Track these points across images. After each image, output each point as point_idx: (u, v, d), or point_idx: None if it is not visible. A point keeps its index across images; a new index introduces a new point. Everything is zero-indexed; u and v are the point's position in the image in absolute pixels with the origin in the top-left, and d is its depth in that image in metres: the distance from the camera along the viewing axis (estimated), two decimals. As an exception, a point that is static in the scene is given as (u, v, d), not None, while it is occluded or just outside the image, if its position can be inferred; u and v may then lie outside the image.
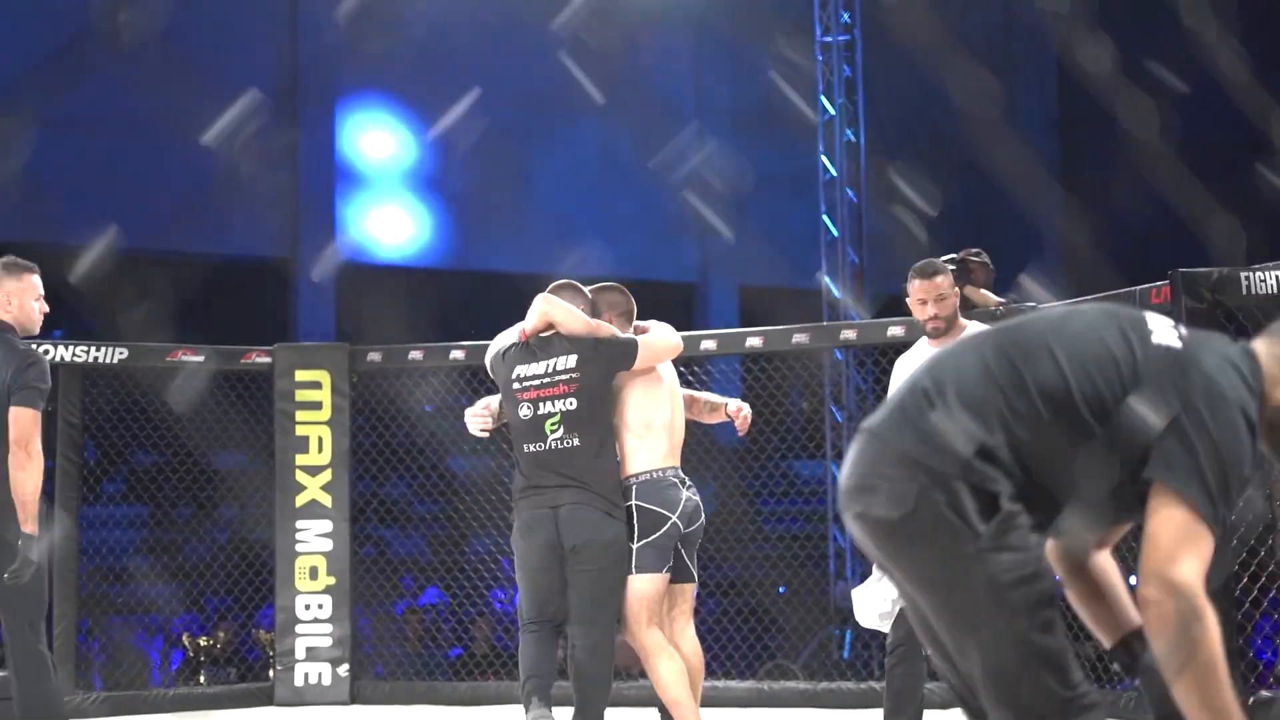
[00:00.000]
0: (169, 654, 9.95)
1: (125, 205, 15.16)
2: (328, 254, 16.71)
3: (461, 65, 16.45)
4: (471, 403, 5.80)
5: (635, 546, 5.24)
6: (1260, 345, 2.75)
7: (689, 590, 5.43)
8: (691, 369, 8.02)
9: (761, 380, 7.95)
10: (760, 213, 16.87)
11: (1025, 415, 2.63)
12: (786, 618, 8.29)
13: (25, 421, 5.24)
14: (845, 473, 2.73)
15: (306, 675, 7.78)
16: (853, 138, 12.26)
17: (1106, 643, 2.86)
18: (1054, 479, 2.64)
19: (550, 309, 5.42)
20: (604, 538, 5.22)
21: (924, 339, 5.60)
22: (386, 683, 8.02)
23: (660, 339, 5.47)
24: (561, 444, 5.29)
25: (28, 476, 5.21)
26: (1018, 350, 2.70)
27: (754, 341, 7.61)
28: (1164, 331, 2.70)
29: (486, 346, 7.76)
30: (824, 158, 12.34)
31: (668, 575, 5.27)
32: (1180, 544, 2.54)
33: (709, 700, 7.38)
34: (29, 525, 5.19)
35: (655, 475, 5.29)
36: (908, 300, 5.54)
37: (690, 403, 5.69)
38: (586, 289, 5.54)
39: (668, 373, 5.51)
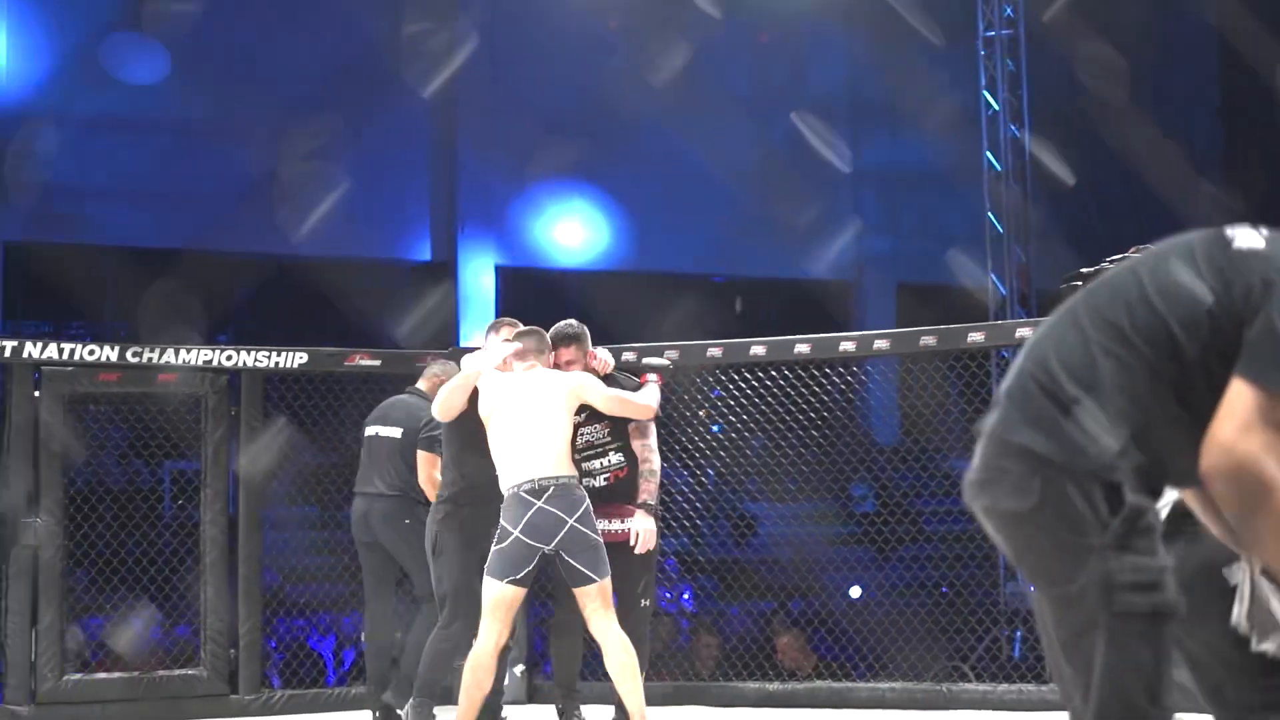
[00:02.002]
0: (341, 653, 10.10)
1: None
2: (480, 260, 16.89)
3: (609, 61, 16.52)
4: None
5: (493, 551, 5.73)
6: None
7: (591, 591, 5.69)
8: (852, 370, 7.98)
9: (921, 380, 7.88)
10: (918, 209, 16.74)
11: (1135, 366, 2.56)
12: (950, 619, 8.20)
13: (424, 461, 6.85)
14: (970, 468, 2.67)
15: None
16: (1017, 133, 12.13)
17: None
18: (1173, 420, 2.56)
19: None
20: None
21: None
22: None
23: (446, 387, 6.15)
24: None
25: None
26: (1109, 303, 2.63)
27: (928, 341, 7.55)
28: (1247, 237, 2.62)
29: (662, 349, 7.80)
30: (988, 153, 12.23)
31: (514, 588, 5.66)
32: (1252, 418, 2.45)
33: (883, 702, 7.38)
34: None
35: (510, 492, 5.70)
36: None
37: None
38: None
39: (526, 396, 5.82)
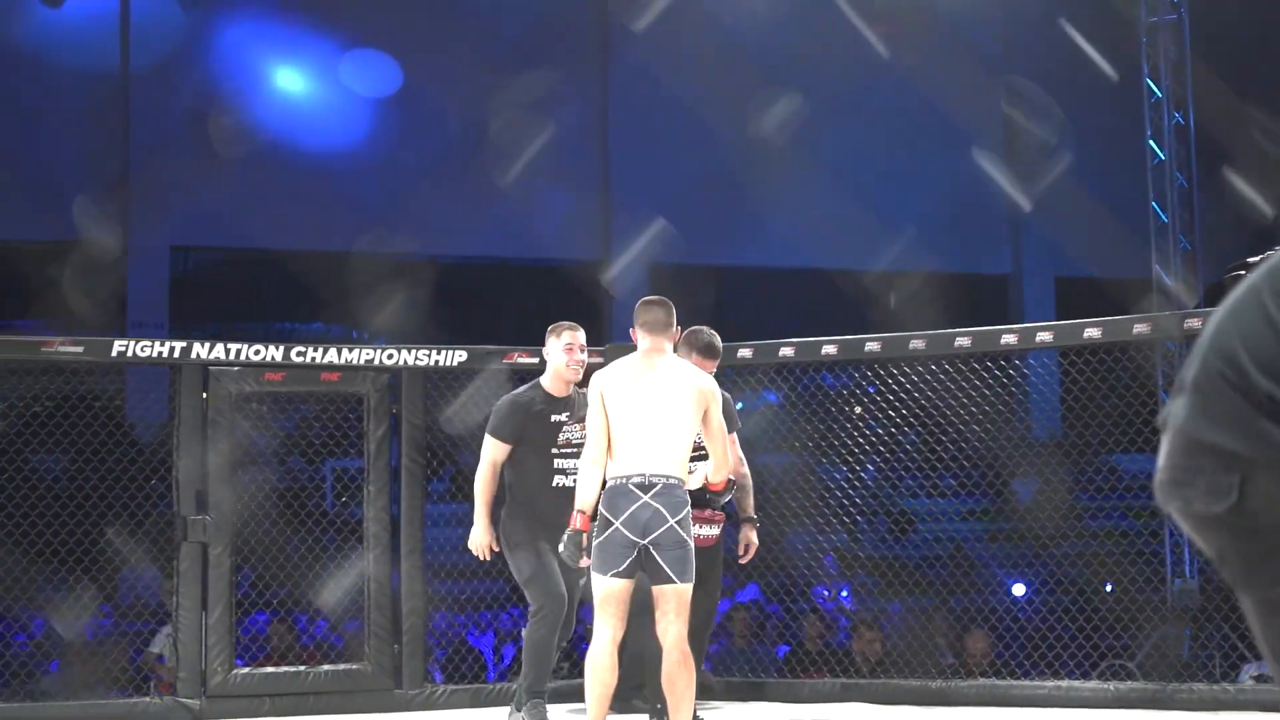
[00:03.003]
0: (501, 649, 10.18)
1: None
2: (635, 256, 16.95)
3: (756, 56, 16.47)
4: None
5: (594, 545, 5.66)
6: None
7: (669, 592, 5.60)
8: (1014, 363, 7.86)
9: (1087, 373, 7.72)
10: (1077, 200, 16.44)
11: None
12: (1118, 616, 8.04)
13: None
14: (1158, 466, 2.53)
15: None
16: (1181, 120, 11.87)
17: None
18: None
19: None
20: None
21: None
22: (722, 679, 8.04)
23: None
24: None
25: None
26: None
27: (1093, 333, 7.41)
28: None
29: (820, 344, 7.74)
30: (1151, 142, 11.98)
31: (621, 581, 5.59)
32: None
33: (1049, 700, 7.24)
34: None
35: (617, 482, 5.60)
36: None
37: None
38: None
39: (651, 387, 5.71)
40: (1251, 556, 2.46)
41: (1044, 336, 7.54)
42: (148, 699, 7.42)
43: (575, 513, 5.72)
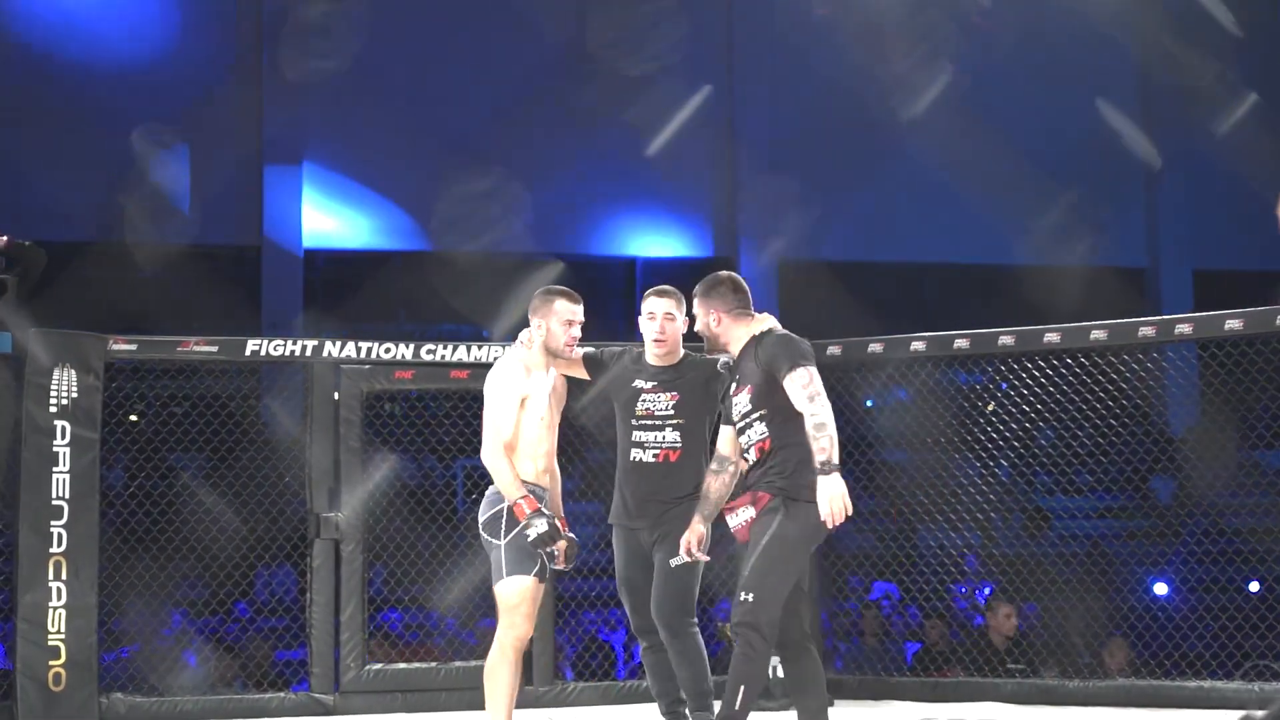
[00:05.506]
0: (631, 646, 10.18)
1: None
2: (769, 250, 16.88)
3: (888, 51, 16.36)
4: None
5: None
6: None
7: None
8: (1152, 356, 7.70)
9: (1228, 366, 7.53)
10: (1219, 188, 16.09)
11: None
12: (1262, 615, 7.85)
13: None
14: None
15: (775, 669, 7.79)
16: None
17: None
18: None
19: None
20: None
21: None
22: (855, 677, 7.97)
23: None
24: None
25: None
26: None
27: (1234, 324, 7.23)
28: None
29: (952, 338, 7.63)
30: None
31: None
32: None
33: (1192, 701, 7.09)
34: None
35: None
36: None
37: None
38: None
39: (527, 390, 5.85)
40: None
41: (1183, 329, 7.37)
42: (283, 694, 7.50)
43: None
